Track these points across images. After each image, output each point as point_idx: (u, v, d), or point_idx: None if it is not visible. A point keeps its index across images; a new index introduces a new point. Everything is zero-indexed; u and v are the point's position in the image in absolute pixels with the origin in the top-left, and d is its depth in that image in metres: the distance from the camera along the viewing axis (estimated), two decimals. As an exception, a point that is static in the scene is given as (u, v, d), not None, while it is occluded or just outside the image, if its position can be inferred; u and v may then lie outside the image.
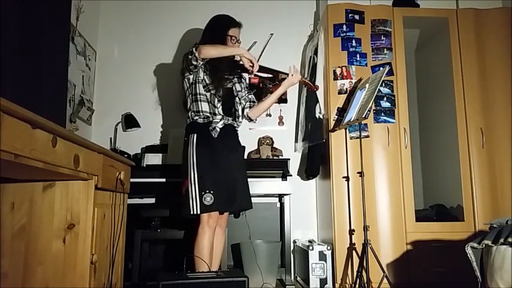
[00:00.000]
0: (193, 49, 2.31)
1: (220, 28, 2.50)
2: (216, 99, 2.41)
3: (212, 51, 2.32)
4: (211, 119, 2.38)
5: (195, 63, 2.32)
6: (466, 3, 3.44)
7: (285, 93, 3.47)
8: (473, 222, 3.05)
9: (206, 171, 2.26)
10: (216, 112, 2.39)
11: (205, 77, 2.40)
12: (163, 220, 2.97)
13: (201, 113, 2.37)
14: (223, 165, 2.33)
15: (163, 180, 2.96)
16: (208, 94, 2.40)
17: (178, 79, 3.64)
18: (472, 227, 3.05)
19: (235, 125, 2.51)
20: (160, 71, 3.71)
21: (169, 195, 2.95)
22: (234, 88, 2.57)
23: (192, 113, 2.39)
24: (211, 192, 2.24)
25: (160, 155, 3.26)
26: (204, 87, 2.39)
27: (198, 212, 2.22)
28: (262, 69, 2.56)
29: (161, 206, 2.98)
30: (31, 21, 2.33)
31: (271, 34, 2.37)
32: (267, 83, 3.28)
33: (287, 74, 2.57)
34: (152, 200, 2.99)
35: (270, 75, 2.62)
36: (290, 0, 3.88)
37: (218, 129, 2.37)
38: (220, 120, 2.39)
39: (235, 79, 2.59)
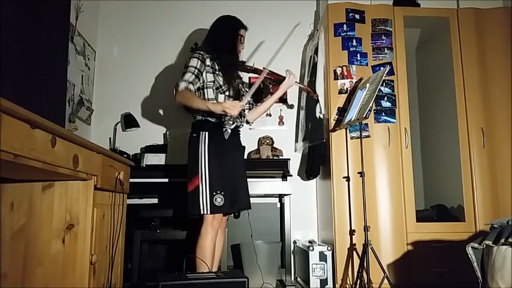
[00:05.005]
0: (174, 89, 2.28)
1: (231, 28, 2.50)
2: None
3: (184, 102, 2.30)
4: (223, 118, 2.36)
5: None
6: (467, 3, 3.43)
7: (285, 94, 3.47)
8: (474, 222, 3.04)
9: (217, 171, 2.26)
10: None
11: (217, 78, 2.37)
12: (163, 220, 2.96)
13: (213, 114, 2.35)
14: (230, 166, 2.34)
15: (163, 180, 2.95)
16: (222, 97, 2.38)
17: (177, 79, 3.66)
18: (473, 227, 3.04)
19: (241, 126, 2.52)
20: (159, 71, 3.70)
21: (170, 196, 2.95)
22: (239, 88, 2.57)
23: (204, 113, 2.35)
24: (222, 193, 2.24)
25: (160, 155, 3.25)
26: (216, 89, 2.37)
27: (208, 212, 2.22)
28: (259, 71, 2.63)
29: (162, 206, 2.98)
30: (30, 20, 2.32)
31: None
32: (268, 83, 3.31)
33: (284, 77, 2.60)
34: (152, 200, 2.99)
35: (269, 77, 2.70)
36: (290, 0, 3.87)
37: (229, 131, 2.38)
38: (233, 123, 2.41)
39: (238, 80, 2.60)
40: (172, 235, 2.88)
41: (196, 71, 2.32)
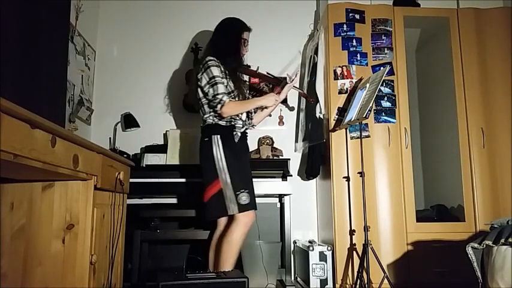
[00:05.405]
0: (218, 106, 2.30)
1: (235, 32, 2.53)
2: None
3: (235, 111, 2.37)
4: (233, 122, 2.40)
5: (214, 109, 2.35)
6: (467, 3, 3.43)
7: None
8: (474, 222, 3.04)
9: (236, 172, 2.30)
10: (238, 117, 2.42)
11: (229, 83, 2.40)
12: (163, 220, 2.97)
13: (223, 116, 2.37)
14: (244, 166, 2.39)
15: (163, 180, 2.94)
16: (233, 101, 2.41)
17: (178, 79, 3.66)
18: (473, 227, 3.04)
19: (248, 129, 2.56)
20: (159, 71, 3.70)
21: (170, 195, 2.95)
22: (244, 92, 2.60)
23: (215, 117, 2.38)
24: (246, 191, 2.29)
25: (160, 155, 3.25)
26: (228, 93, 2.38)
27: (237, 212, 2.27)
28: (263, 76, 2.68)
29: (162, 206, 2.98)
30: (30, 21, 2.32)
31: (299, 52, 2.57)
32: (267, 85, 3.34)
33: (285, 79, 2.64)
34: (152, 200, 2.98)
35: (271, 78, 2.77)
36: (290, 0, 3.87)
37: (239, 134, 2.42)
38: (243, 126, 2.44)
39: (243, 84, 2.64)
40: (172, 235, 2.88)
41: (223, 80, 2.36)
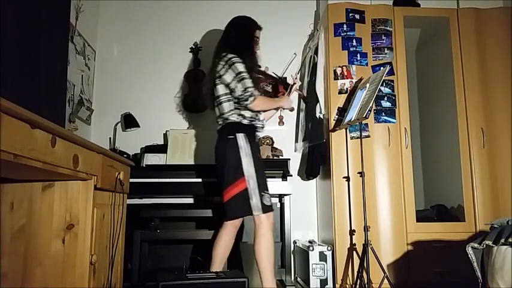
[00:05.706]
0: (250, 99, 2.29)
1: (247, 30, 2.53)
2: None
3: (264, 107, 2.43)
4: (253, 122, 2.41)
5: (244, 103, 2.34)
6: (467, 3, 3.43)
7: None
8: (474, 222, 3.04)
9: (260, 171, 2.31)
10: (257, 118, 2.43)
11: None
12: (163, 220, 2.97)
13: (246, 116, 2.38)
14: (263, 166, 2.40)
15: (163, 180, 2.94)
16: None
17: (178, 79, 3.67)
18: (473, 227, 3.04)
19: None
20: (159, 71, 3.70)
21: (170, 195, 2.95)
22: None
23: (239, 116, 2.37)
24: (268, 192, 2.30)
25: (160, 155, 3.25)
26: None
27: (261, 212, 2.25)
28: (266, 76, 2.68)
29: (162, 206, 2.98)
30: (30, 21, 2.32)
31: (295, 54, 2.55)
32: (266, 85, 3.34)
33: (286, 79, 2.64)
34: (152, 200, 2.98)
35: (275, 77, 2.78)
36: (290, 0, 3.87)
37: (257, 135, 2.46)
38: (262, 127, 2.47)
39: None
40: (172, 235, 2.88)
41: (248, 75, 2.36)
